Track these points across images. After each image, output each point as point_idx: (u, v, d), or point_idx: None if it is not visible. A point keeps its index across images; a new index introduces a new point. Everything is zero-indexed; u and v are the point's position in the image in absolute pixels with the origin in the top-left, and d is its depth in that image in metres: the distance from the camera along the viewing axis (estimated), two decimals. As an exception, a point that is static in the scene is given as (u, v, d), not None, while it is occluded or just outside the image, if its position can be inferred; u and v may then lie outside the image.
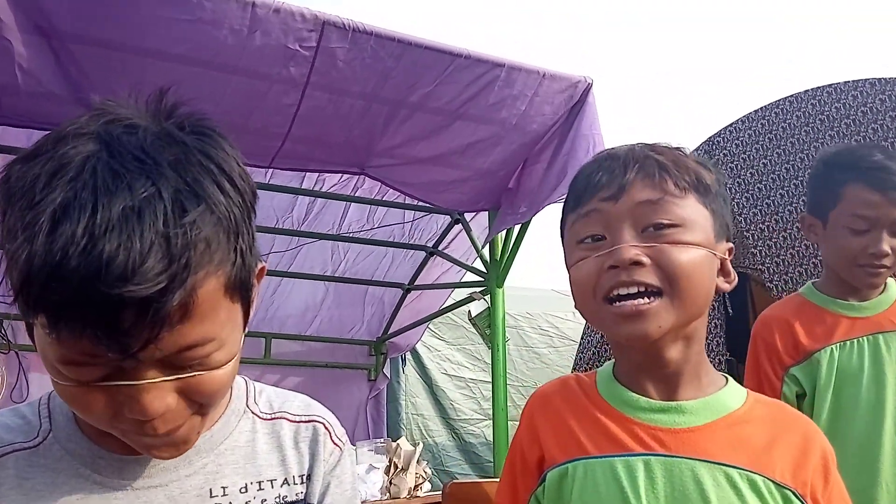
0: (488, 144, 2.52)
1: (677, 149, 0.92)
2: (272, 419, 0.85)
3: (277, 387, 0.92)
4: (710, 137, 3.14)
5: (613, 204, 0.86)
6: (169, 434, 0.68)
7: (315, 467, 0.84)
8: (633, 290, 0.83)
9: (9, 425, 0.76)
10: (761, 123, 2.97)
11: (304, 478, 0.84)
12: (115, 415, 0.65)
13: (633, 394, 0.91)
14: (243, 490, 0.79)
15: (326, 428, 0.87)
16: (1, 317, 3.05)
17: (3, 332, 3.08)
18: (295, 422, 0.86)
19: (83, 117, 0.65)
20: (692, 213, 0.86)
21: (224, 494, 0.78)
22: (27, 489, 0.72)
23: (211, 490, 0.77)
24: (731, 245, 0.92)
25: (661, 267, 0.84)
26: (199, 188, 0.62)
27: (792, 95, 2.88)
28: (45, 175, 0.59)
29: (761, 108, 2.98)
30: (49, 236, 0.56)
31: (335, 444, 0.87)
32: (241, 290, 0.69)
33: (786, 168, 2.85)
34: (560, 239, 0.97)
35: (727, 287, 0.91)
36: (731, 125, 3.08)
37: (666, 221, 0.85)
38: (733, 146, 3.04)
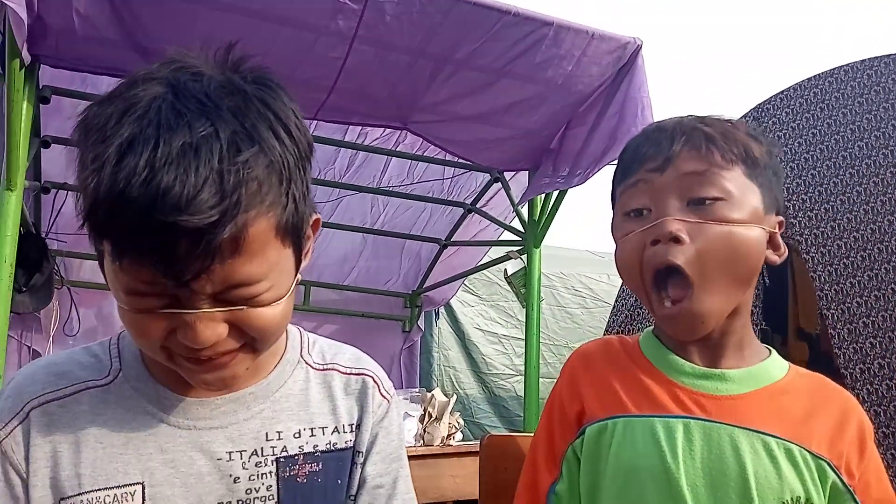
0: (532, 104, 2.50)
1: (728, 121, 0.92)
2: (324, 370, 0.90)
3: (314, 333, 0.97)
4: (759, 104, 3.07)
5: (659, 175, 0.87)
6: (219, 367, 0.72)
7: (364, 418, 0.89)
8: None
9: (82, 363, 0.81)
10: (814, 92, 2.89)
11: (354, 427, 0.88)
12: (170, 342, 0.70)
13: (678, 358, 0.93)
14: (297, 435, 0.84)
15: (375, 381, 0.91)
16: (54, 253, 3.17)
17: (56, 268, 3.21)
18: (345, 374, 0.90)
19: (155, 65, 0.70)
20: (739, 186, 0.86)
21: (279, 438, 0.82)
22: (100, 424, 0.77)
23: (267, 434, 0.82)
24: (780, 218, 0.91)
25: (697, 246, 0.85)
26: (255, 132, 0.66)
27: (847, 65, 2.78)
28: (116, 113, 0.64)
29: (815, 77, 2.89)
30: (115, 167, 0.62)
31: (383, 396, 0.91)
32: (292, 235, 0.73)
33: (835, 139, 2.78)
34: (611, 206, 0.98)
35: (777, 260, 0.91)
36: (782, 92, 3.00)
37: (711, 196, 0.85)
38: (783, 114, 2.97)
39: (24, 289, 2.81)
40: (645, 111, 2.27)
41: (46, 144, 2.57)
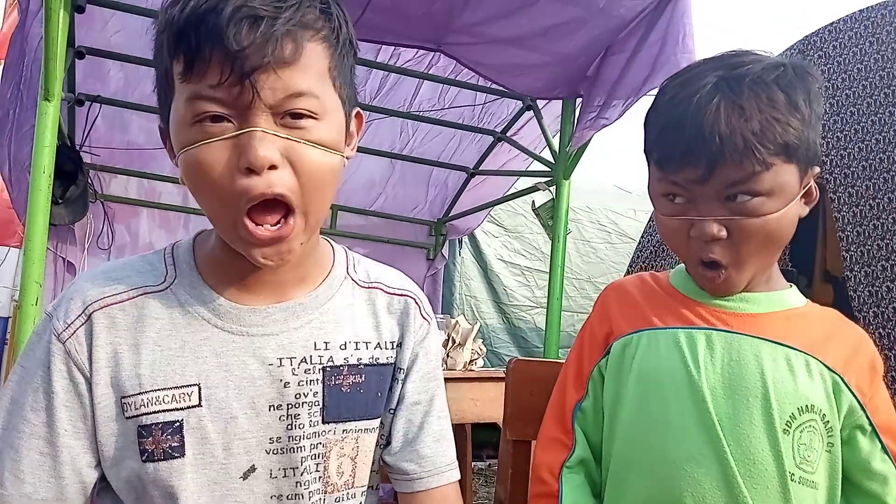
0: (571, 28, 2.42)
1: (766, 86, 0.86)
2: (369, 287, 0.92)
3: None
4: (806, 37, 2.95)
5: (699, 186, 0.88)
6: (277, 239, 0.75)
7: (405, 337, 0.91)
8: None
9: (140, 270, 0.83)
10: (864, 25, 2.77)
11: (395, 344, 0.91)
12: (234, 182, 0.72)
13: None
14: (343, 347, 0.86)
15: (417, 303, 0.94)
16: (88, 167, 3.21)
17: (90, 182, 3.25)
18: (389, 293, 0.93)
19: None
20: (777, 178, 0.87)
21: (326, 348, 0.85)
22: (158, 328, 0.80)
23: (315, 343, 0.85)
24: (817, 169, 0.91)
25: (734, 239, 0.88)
26: None
27: (903, -3, 2.66)
28: None
29: (867, 9, 2.76)
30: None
31: (424, 318, 0.94)
32: (342, 91, 0.79)
33: (880, 75, 2.68)
34: (646, 158, 0.98)
35: (806, 210, 0.93)
36: (831, 24, 2.88)
37: (749, 196, 0.87)
38: (830, 48, 2.86)
39: (60, 201, 2.86)
40: (686, 39, 2.20)
41: (81, 55, 2.56)
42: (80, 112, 3.01)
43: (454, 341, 2.59)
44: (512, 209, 4.60)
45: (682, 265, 1.03)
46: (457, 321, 2.65)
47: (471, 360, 2.62)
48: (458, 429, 2.90)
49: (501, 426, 1.23)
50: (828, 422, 0.88)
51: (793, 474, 0.86)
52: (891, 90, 2.61)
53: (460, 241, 4.51)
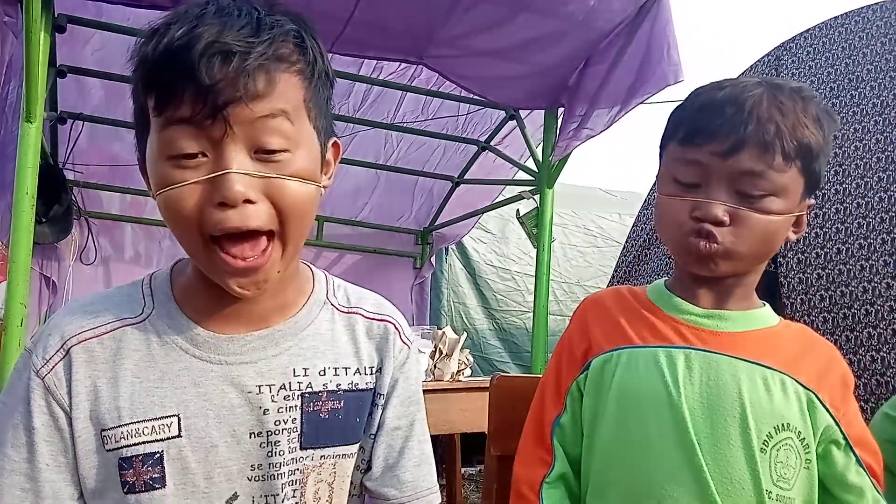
0: (552, 40, 2.45)
1: (802, 103, 0.92)
2: (349, 313, 0.92)
3: (328, 269, 1.00)
4: (783, 42, 2.99)
5: (721, 161, 0.90)
6: (254, 269, 0.75)
7: (385, 363, 0.92)
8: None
9: (117, 302, 0.84)
10: (838, 31, 2.81)
11: (375, 370, 0.91)
12: (205, 219, 0.73)
13: (684, 301, 0.99)
14: (322, 373, 0.87)
15: (396, 328, 0.94)
16: (71, 184, 3.20)
17: (73, 198, 3.24)
18: (368, 318, 0.93)
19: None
20: (788, 181, 0.91)
21: (305, 375, 0.85)
22: (136, 360, 0.80)
23: (294, 370, 0.85)
24: (812, 201, 0.96)
25: (739, 228, 0.90)
26: (292, 21, 0.77)
27: (876, 3, 2.71)
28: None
29: (842, 15, 2.81)
30: (163, 32, 0.71)
31: (404, 342, 0.94)
32: (317, 123, 0.80)
33: (848, 78, 2.73)
34: (661, 142, 1.01)
35: (793, 238, 0.97)
36: (807, 30, 2.92)
37: (759, 193, 0.90)
38: (804, 53, 2.90)
39: (44, 220, 2.85)
40: (671, 51, 2.23)
41: (62, 74, 2.56)
42: (63, 129, 3.00)
43: (441, 352, 2.60)
44: (499, 214, 4.61)
45: (660, 281, 1.05)
46: (444, 332, 2.66)
47: (458, 371, 2.62)
48: (447, 438, 2.92)
49: (487, 439, 1.25)
50: (804, 439, 0.91)
51: (769, 492, 0.88)
52: (857, 91, 2.65)
53: (447, 249, 4.52)
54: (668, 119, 1.00)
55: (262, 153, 0.74)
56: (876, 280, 2.17)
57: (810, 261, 2.35)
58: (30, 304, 2.09)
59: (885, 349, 2.08)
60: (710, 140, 0.90)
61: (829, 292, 2.28)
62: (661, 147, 1.01)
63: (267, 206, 0.74)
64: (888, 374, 2.03)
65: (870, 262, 2.21)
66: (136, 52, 0.74)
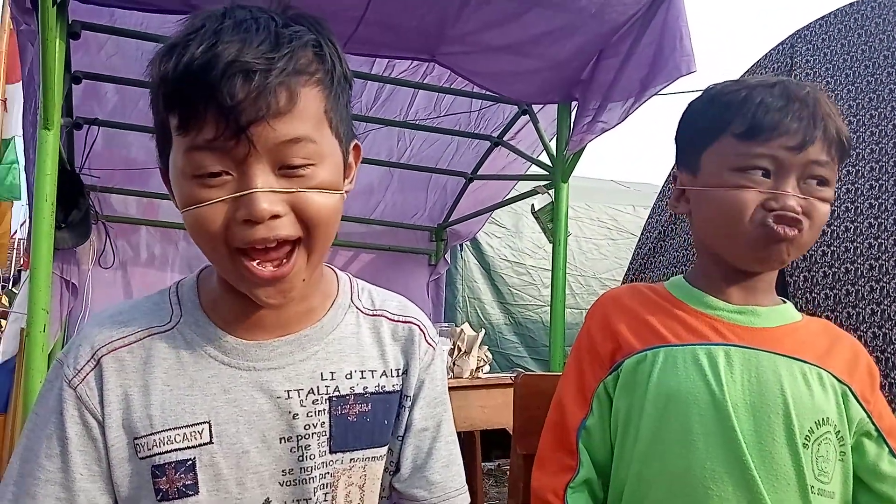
0: (564, 34, 2.43)
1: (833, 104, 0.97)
2: (374, 315, 0.93)
3: (343, 268, 1.00)
4: (797, 30, 2.96)
5: (794, 154, 0.92)
6: (278, 277, 0.76)
7: (411, 364, 0.92)
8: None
9: (145, 311, 0.85)
10: (854, 18, 2.78)
11: (401, 372, 0.92)
12: (231, 234, 0.73)
13: (713, 297, 0.99)
14: (348, 376, 0.87)
15: (421, 329, 0.94)
16: (88, 188, 3.22)
17: (91, 203, 3.26)
18: (393, 321, 0.93)
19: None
20: (834, 175, 0.95)
21: (332, 379, 0.86)
22: (166, 368, 0.81)
23: (322, 374, 0.85)
24: None
25: (811, 219, 0.93)
26: (311, 29, 0.76)
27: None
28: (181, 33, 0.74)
29: (858, 2, 2.77)
30: (183, 49, 0.71)
31: (429, 344, 0.94)
32: (338, 132, 0.79)
33: (865, 64, 2.69)
34: (686, 139, 1.02)
35: None
36: (821, 18, 2.89)
37: (824, 184, 0.94)
38: (819, 40, 2.87)
39: (63, 225, 2.87)
40: (684, 41, 2.21)
41: (77, 80, 2.58)
42: (79, 134, 3.02)
43: (460, 350, 2.60)
44: (512, 209, 4.61)
45: (677, 278, 1.04)
46: (462, 329, 2.66)
47: (477, 367, 2.63)
48: (467, 435, 2.93)
49: (511, 438, 1.24)
50: (839, 432, 0.91)
51: (812, 487, 0.88)
52: (873, 77, 2.62)
53: (461, 245, 4.52)
54: (699, 114, 1.01)
55: (285, 168, 0.74)
56: (885, 280, 2.15)
57: (816, 258, 2.33)
58: (51, 310, 2.11)
59: (889, 350, 2.06)
60: (781, 134, 0.92)
61: (833, 269, 2.27)
62: (694, 142, 1.00)
63: (293, 218, 0.75)
64: (892, 375, 2.02)
65: (879, 262, 2.19)
66: (155, 66, 0.74)
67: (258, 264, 0.75)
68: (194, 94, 0.70)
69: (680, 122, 1.06)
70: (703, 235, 1.02)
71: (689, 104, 1.05)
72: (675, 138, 1.08)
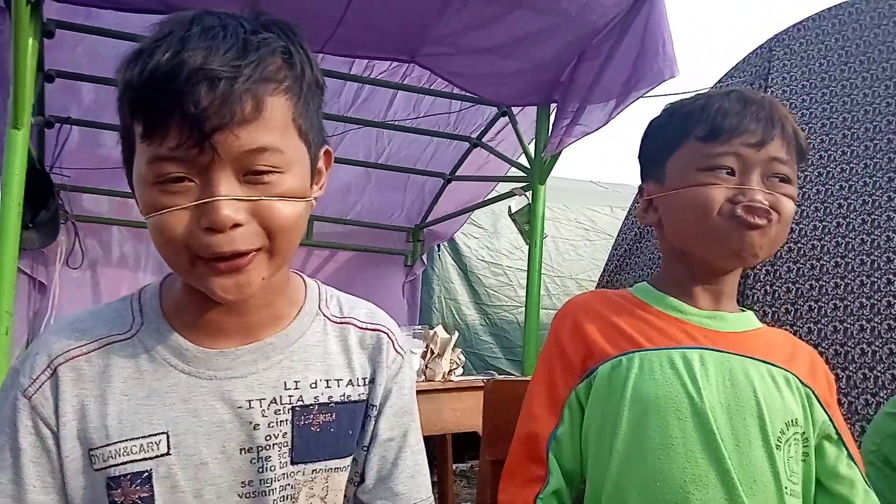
0: (544, 36, 2.43)
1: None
2: (342, 323, 0.91)
3: (319, 267, 0.98)
4: (776, 34, 2.99)
5: (755, 151, 0.95)
6: (236, 269, 0.74)
7: (378, 373, 0.90)
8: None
9: (105, 319, 0.82)
10: (831, 23, 2.81)
11: (367, 381, 0.90)
12: (192, 240, 0.72)
13: (681, 301, 1.00)
14: (313, 385, 0.86)
15: (390, 337, 0.93)
16: (58, 187, 3.15)
17: (60, 201, 3.19)
18: (361, 328, 0.92)
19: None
20: (795, 173, 0.98)
21: (296, 388, 0.84)
22: (124, 377, 0.79)
23: (285, 383, 0.84)
24: None
25: (779, 213, 0.94)
26: (280, 34, 0.75)
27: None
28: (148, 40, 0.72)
29: (835, 7, 2.81)
30: (148, 55, 0.69)
31: (397, 352, 0.93)
32: (307, 139, 0.78)
33: (840, 69, 2.73)
34: (670, 143, 1.02)
35: None
36: (800, 22, 2.92)
37: (787, 181, 0.96)
38: (796, 44, 2.90)
39: (31, 225, 2.80)
40: (667, 45, 2.22)
41: (50, 79, 2.52)
42: (50, 133, 2.95)
43: (433, 352, 2.58)
44: (490, 210, 4.60)
45: (641, 284, 1.04)
46: (435, 331, 2.64)
47: (450, 370, 2.61)
48: (439, 438, 2.91)
49: (481, 444, 1.23)
50: (804, 433, 0.93)
51: (786, 487, 0.90)
52: (848, 81, 2.66)
53: (438, 245, 4.50)
54: (660, 128, 1.04)
55: (250, 174, 0.73)
56: (850, 277, 2.19)
57: (781, 254, 2.36)
58: (16, 309, 2.05)
59: (850, 343, 2.10)
60: (742, 135, 0.95)
61: (797, 285, 2.30)
62: (658, 153, 1.02)
63: (255, 227, 0.74)
64: (850, 368, 2.06)
65: (846, 259, 2.23)
66: (121, 72, 0.73)
67: (216, 279, 0.74)
68: (159, 101, 0.69)
69: (643, 140, 1.08)
70: (674, 238, 1.02)
71: (650, 122, 1.08)
72: (639, 155, 1.09)
